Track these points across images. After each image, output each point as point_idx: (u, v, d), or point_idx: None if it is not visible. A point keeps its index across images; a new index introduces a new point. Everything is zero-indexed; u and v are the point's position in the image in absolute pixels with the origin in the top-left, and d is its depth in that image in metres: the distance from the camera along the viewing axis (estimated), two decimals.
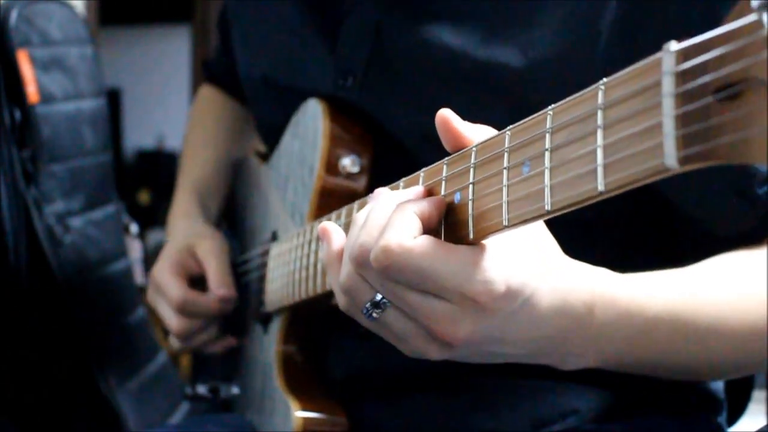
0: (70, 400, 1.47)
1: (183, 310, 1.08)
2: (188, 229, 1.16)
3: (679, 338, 0.73)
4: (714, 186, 0.77)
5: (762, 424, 0.83)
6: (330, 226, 0.69)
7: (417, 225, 0.61)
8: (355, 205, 0.76)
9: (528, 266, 0.62)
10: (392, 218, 0.61)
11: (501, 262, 0.60)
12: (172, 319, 1.09)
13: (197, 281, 1.12)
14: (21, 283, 1.36)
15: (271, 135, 1.12)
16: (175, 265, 1.11)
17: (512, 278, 0.61)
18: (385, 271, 0.60)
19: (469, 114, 0.84)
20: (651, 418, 0.90)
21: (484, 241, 0.60)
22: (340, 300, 0.69)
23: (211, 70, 1.37)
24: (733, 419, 0.98)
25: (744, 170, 0.75)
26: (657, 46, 0.44)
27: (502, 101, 0.82)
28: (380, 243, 0.60)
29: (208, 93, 1.37)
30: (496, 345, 0.65)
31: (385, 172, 0.92)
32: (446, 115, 0.64)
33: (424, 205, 0.62)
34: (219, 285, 1.07)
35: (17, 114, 1.37)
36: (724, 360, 0.78)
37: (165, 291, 1.10)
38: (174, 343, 1.14)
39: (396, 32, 0.89)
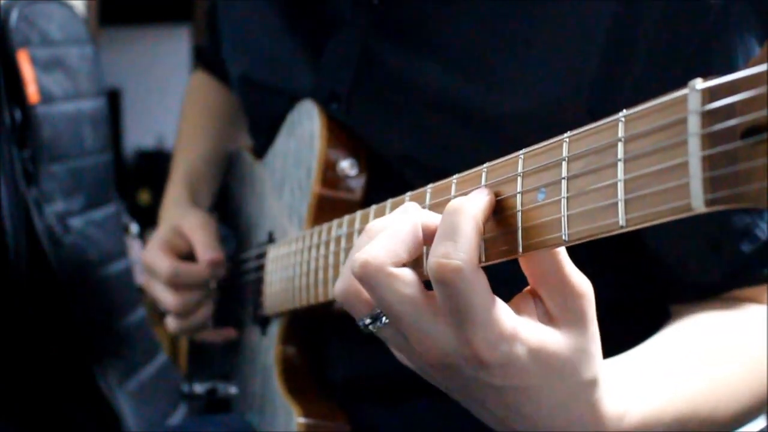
0: (70, 401, 1.46)
1: (174, 282, 1.07)
2: (176, 214, 1.17)
3: (698, 427, 0.69)
4: (689, 236, 0.75)
5: (762, 424, 0.82)
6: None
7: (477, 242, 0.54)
8: (358, 215, 0.74)
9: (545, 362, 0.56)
10: (459, 228, 0.54)
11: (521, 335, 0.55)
12: (166, 296, 1.09)
13: (186, 259, 1.11)
14: (21, 283, 1.36)
15: (258, 129, 1.12)
16: (163, 244, 1.11)
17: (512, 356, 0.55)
18: (447, 284, 0.53)
19: (452, 146, 0.83)
20: None
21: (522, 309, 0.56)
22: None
23: (204, 55, 1.36)
24: None
25: (721, 224, 0.74)
26: (643, 95, 0.44)
27: (487, 138, 0.80)
28: (449, 257, 0.53)
29: (200, 79, 1.37)
30: (476, 396, 0.61)
31: (374, 188, 0.92)
32: None
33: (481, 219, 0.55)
34: (206, 250, 1.07)
35: (17, 114, 1.37)
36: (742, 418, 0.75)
37: (155, 268, 1.09)
38: (171, 324, 1.12)
39: (384, 57, 0.87)
